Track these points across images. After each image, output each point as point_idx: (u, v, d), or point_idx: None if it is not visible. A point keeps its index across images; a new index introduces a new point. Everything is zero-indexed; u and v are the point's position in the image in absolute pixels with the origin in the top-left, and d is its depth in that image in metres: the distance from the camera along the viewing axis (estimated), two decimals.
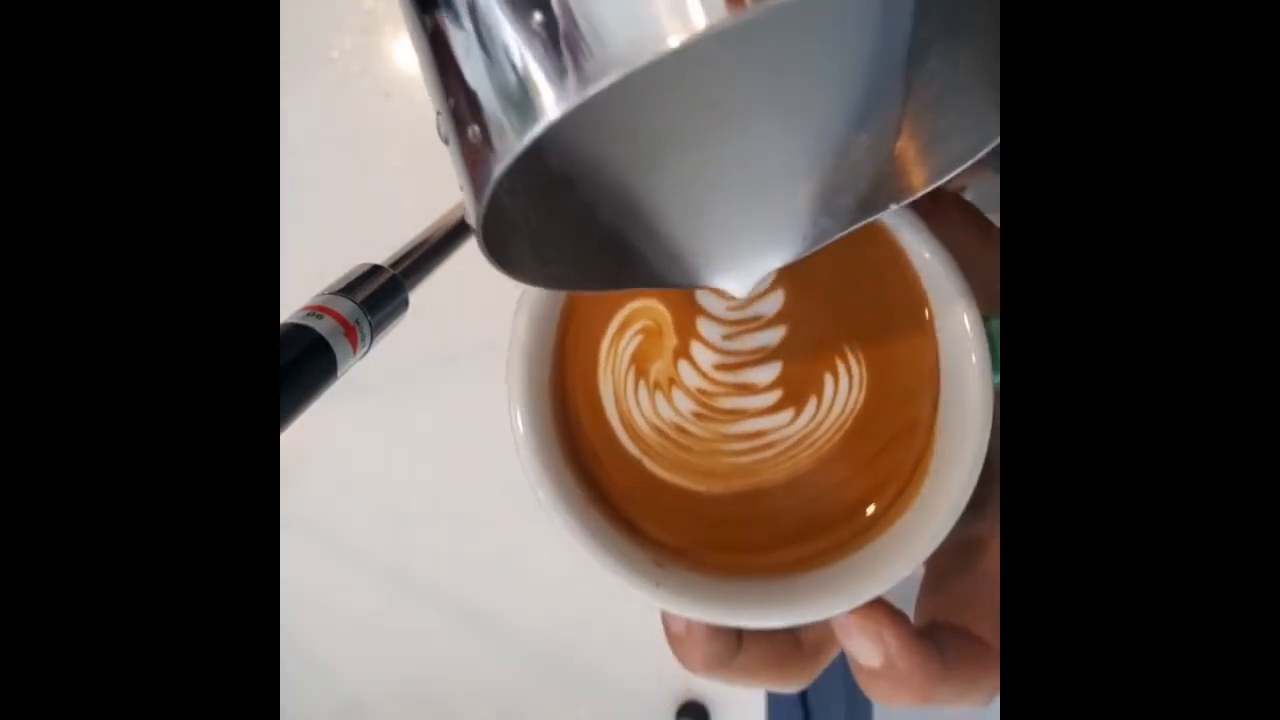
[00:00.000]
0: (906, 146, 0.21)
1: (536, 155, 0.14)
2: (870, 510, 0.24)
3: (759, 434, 0.24)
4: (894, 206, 0.21)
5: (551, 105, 0.14)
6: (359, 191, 0.59)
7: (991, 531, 0.24)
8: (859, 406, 0.24)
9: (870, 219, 0.21)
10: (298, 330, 0.29)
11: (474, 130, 0.15)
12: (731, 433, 0.24)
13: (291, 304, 0.29)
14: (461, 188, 0.16)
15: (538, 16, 0.14)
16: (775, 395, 0.24)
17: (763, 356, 0.24)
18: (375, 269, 0.31)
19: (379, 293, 0.31)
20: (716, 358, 0.24)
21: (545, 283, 0.21)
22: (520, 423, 0.24)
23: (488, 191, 0.15)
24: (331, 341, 0.29)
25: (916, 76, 0.20)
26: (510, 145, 0.15)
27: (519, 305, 0.24)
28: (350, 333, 0.30)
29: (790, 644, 0.25)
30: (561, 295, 0.24)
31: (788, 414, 0.24)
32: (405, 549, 0.57)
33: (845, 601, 0.22)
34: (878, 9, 0.19)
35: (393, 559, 0.57)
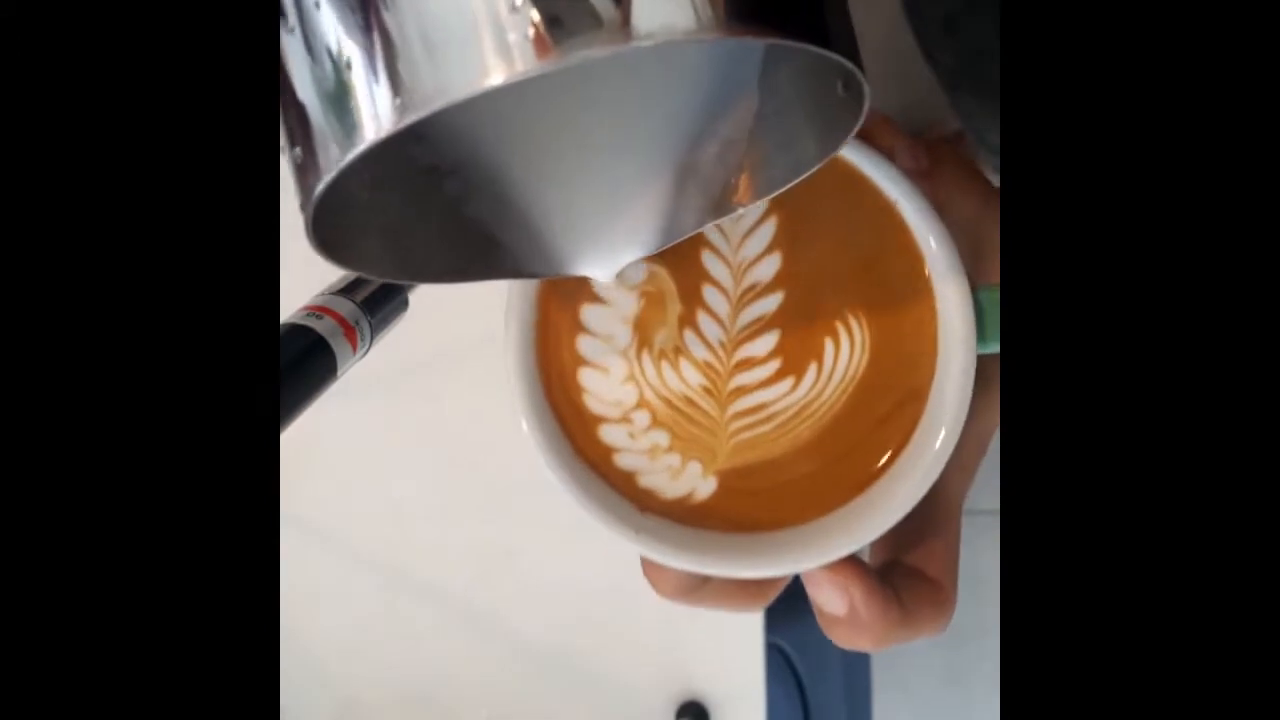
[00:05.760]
0: (752, 155, 0.22)
1: (401, 149, 0.14)
2: (854, 472, 0.25)
3: (760, 407, 0.25)
4: (740, 210, 0.22)
5: (370, 130, 0.14)
6: None
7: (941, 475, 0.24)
8: (861, 372, 0.24)
9: (722, 218, 0.22)
10: (298, 330, 0.29)
11: (296, 152, 0.16)
12: (735, 410, 0.25)
13: (291, 304, 0.29)
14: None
15: (355, 46, 0.14)
16: (775, 365, 0.24)
17: (761, 326, 0.25)
18: None
19: (379, 293, 0.31)
20: (720, 332, 0.25)
21: (399, 275, 0.21)
22: (510, 355, 0.24)
23: (312, 205, 0.16)
24: (331, 342, 0.30)
25: (765, 89, 0.21)
26: (328, 165, 0.15)
27: (510, 287, 0.24)
28: (350, 333, 0.30)
29: None
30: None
31: (788, 383, 0.24)
32: (405, 549, 0.57)
33: (817, 558, 0.23)
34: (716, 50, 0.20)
35: (392, 559, 0.57)
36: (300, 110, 0.15)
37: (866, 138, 0.25)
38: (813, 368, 0.24)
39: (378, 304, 0.30)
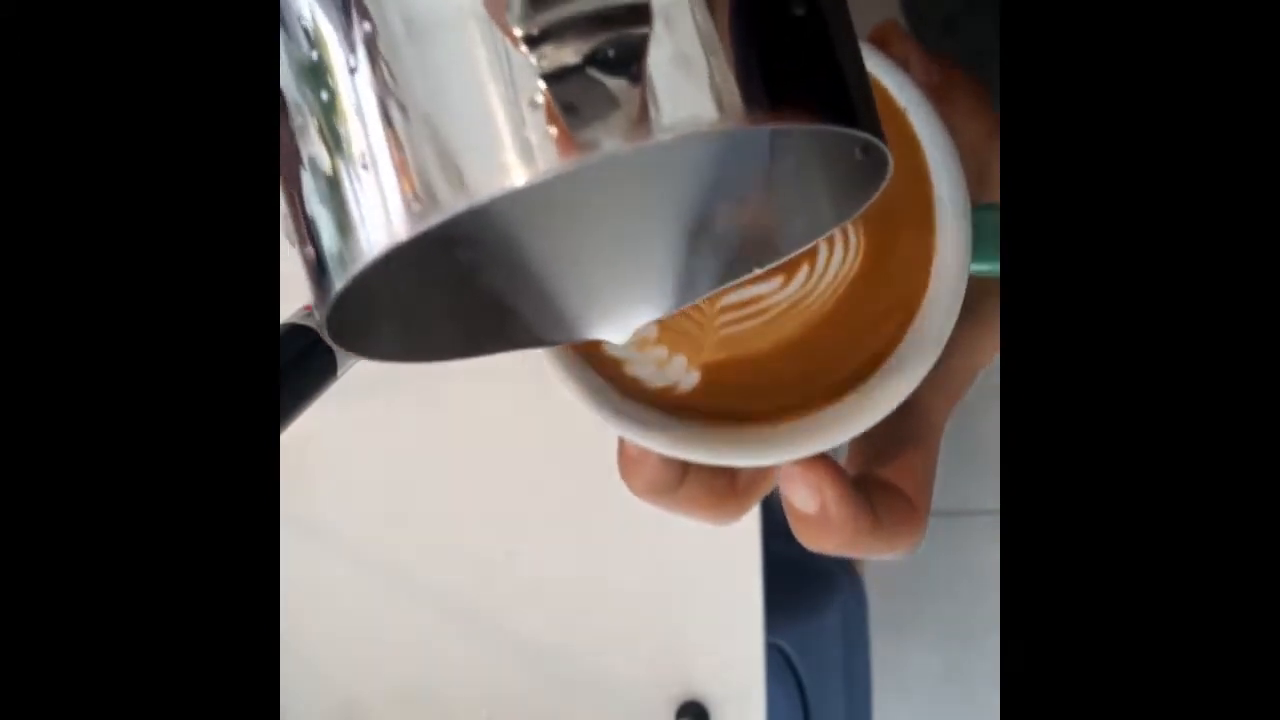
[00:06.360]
0: (767, 218, 0.22)
1: None
2: (837, 373, 0.25)
3: (749, 302, 0.25)
4: (757, 270, 0.22)
5: (383, 237, 0.14)
6: None
7: (920, 392, 0.24)
8: (853, 275, 0.24)
9: (740, 279, 0.22)
10: (298, 330, 0.29)
11: (309, 251, 0.15)
12: (725, 304, 0.25)
13: (292, 304, 0.29)
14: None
15: (367, 148, 0.14)
16: None
17: None
18: None
19: None
20: None
21: (412, 356, 0.20)
22: None
23: (327, 307, 0.15)
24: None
25: (778, 154, 0.21)
26: (341, 270, 0.14)
27: None
28: None
29: (727, 481, 0.26)
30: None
31: (778, 280, 0.25)
32: (405, 549, 0.57)
33: (794, 452, 0.24)
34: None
35: (392, 559, 0.57)
36: (310, 211, 0.15)
37: (881, 45, 0.24)
38: (805, 266, 0.24)
39: None
